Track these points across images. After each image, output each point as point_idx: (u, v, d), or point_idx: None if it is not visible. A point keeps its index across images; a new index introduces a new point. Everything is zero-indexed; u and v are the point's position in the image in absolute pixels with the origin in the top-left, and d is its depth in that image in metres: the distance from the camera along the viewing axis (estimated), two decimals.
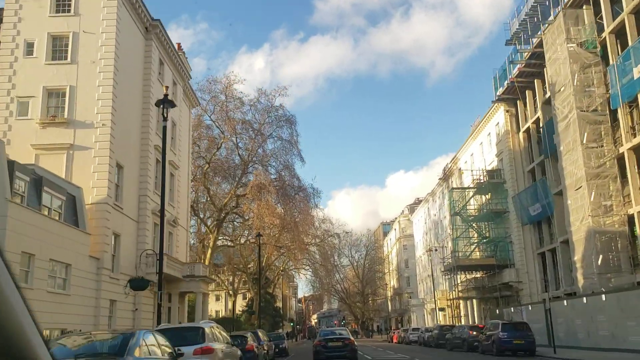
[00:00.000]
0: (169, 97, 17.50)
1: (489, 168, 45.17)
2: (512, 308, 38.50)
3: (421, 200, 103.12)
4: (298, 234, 52.11)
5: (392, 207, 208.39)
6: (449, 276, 48.28)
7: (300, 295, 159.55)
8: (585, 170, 30.02)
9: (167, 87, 18.78)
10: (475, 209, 46.47)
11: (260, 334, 24.23)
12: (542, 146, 38.22)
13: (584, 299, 27.32)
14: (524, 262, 41.13)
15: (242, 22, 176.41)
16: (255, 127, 48.50)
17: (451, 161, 59.14)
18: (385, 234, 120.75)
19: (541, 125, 38.39)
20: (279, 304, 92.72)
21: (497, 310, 41.63)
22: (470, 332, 30.69)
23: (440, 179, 65.60)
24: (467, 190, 46.80)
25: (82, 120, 25.53)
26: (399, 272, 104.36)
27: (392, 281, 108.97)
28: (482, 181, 45.21)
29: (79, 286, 22.45)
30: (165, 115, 17.17)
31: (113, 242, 26.13)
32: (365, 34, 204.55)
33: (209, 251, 48.34)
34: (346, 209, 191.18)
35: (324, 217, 61.74)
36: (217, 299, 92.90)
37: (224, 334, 14.19)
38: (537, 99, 39.47)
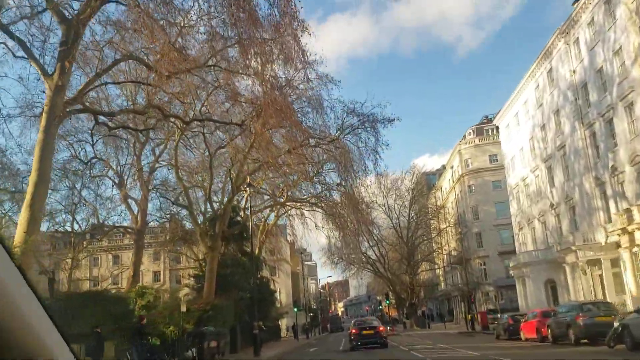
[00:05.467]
0: None
1: None
2: None
3: (492, 119, 67.24)
4: (281, 114, 18.48)
5: None
6: None
7: (322, 282, 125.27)
8: None
9: None
10: None
11: None
12: None
13: None
14: None
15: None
16: None
17: None
18: (430, 187, 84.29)
19: None
20: (275, 280, 58.07)
21: None
22: None
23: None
24: None
25: None
26: (463, 226, 67.99)
27: (450, 244, 73.03)
28: None
29: None
30: None
31: None
32: (386, 9, 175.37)
33: None
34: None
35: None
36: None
37: None
38: None
